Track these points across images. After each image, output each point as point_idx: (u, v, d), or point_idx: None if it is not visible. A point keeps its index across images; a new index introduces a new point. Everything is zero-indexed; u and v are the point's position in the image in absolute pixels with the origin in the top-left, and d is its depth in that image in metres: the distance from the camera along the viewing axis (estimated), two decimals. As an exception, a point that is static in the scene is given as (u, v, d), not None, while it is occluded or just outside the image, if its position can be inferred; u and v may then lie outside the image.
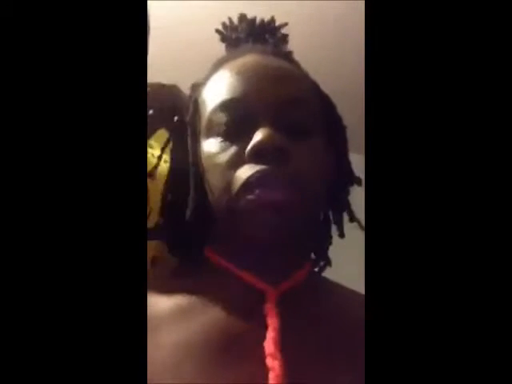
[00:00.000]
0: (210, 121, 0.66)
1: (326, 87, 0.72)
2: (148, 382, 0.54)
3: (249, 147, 0.61)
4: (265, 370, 0.58)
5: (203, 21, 0.72)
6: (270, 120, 0.63)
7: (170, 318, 0.62)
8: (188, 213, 0.67)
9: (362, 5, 0.61)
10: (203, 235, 0.69)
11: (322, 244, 0.73)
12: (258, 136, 0.61)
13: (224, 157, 0.63)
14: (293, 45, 0.75)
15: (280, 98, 0.64)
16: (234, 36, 0.74)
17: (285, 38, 0.75)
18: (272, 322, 0.61)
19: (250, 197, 0.60)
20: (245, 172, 0.61)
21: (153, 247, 0.76)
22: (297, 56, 0.73)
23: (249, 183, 0.61)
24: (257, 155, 0.61)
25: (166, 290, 0.66)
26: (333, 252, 0.73)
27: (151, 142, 0.88)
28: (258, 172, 0.60)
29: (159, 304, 0.64)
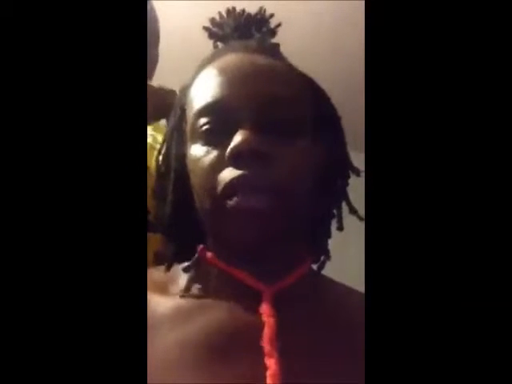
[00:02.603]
0: (193, 125, 0.65)
1: (325, 87, 0.72)
2: (148, 381, 0.54)
3: (227, 151, 0.61)
4: (262, 368, 0.58)
5: (196, 19, 0.71)
6: (251, 122, 0.62)
7: (168, 318, 0.63)
8: (166, 215, 0.68)
9: (361, 5, 0.61)
10: (190, 235, 0.69)
11: (321, 238, 0.72)
12: (236, 139, 0.61)
13: (206, 161, 0.63)
14: (292, 45, 0.74)
15: (262, 98, 0.63)
16: (220, 32, 0.73)
17: (272, 30, 0.73)
18: (268, 321, 0.61)
19: (229, 203, 0.61)
20: (225, 176, 0.61)
21: (156, 241, 0.76)
22: (296, 56, 0.72)
23: (228, 188, 0.61)
24: (236, 159, 0.61)
25: (167, 289, 0.66)
26: (332, 249, 0.73)
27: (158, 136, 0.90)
28: (236, 177, 0.60)
29: (158, 304, 0.64)
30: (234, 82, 0.64)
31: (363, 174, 0.58)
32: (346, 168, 0.72)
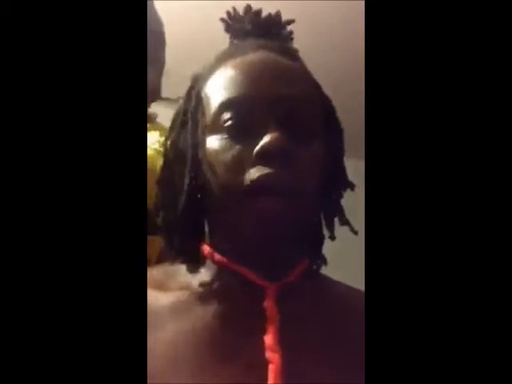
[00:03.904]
0: (215, 117, 0.65)
1: (325, 88, 0.72)
2: (148, 375, 0.55)
3: (257, 148, 0.61)
4: (264, 362, 0.59)
5: (208, 12, 0.71)
6: (277, 121, 0.62)
7: (170, 313, 0.63)
8: (180, 208, 0.66)
9: (361, 5, 0.61)
10: (197, 231, 0.69)
11: (315, 244, 0.73)
12: (267, 138, 0.61)
13: (229, 155, 0.62)
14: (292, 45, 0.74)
15: (286, 99, 0.64)
16: (238, 27, 0.73)
17: (290, 34, 0.74)
18: (271, 316, 0.62)
19: (253, 201, 0.61)
20: (254, 173, 0.61)
21: (159, 241, 0.76)
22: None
23: (257, 186, 0.61)
24: (265, 157, 0.61)
25: (166, 286, 0.66)
26: (333, 251, 0.74)
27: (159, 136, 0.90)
28: (265, 175, 0.60)
29: (159, 300, 0.64)
30: (260, 79, 0.65)
31: (362, 179, 0.58)
32: (342, 181, 0.72)
